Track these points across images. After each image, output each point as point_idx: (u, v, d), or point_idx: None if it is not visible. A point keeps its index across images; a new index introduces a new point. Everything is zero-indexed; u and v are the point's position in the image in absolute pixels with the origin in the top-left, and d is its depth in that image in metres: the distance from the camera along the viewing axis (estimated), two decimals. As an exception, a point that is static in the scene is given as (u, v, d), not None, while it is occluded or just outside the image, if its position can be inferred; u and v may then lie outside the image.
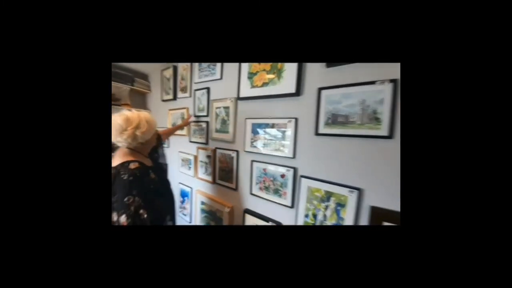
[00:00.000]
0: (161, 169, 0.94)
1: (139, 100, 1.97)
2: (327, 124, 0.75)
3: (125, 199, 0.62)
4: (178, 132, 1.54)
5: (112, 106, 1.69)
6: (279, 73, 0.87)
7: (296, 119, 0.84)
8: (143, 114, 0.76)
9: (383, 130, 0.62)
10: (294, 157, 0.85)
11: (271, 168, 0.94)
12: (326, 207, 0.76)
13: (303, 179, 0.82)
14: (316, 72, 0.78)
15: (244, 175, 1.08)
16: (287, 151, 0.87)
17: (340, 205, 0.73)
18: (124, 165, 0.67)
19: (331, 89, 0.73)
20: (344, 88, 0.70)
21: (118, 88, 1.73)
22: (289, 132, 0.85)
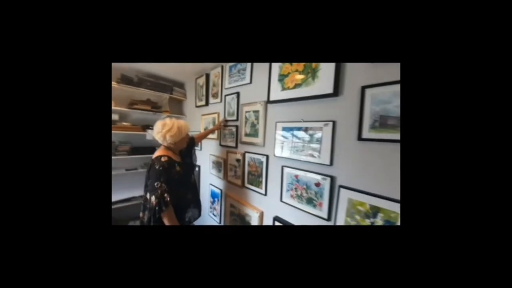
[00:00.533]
0: (188, 166, 1.11)
1: (177, 107, 2.17)
2: (373, 127, 0.65)
3: (155, 183, 0.84)
4: (210, 136, 1.62)
5: (155, 113, 1.92)
6: (313, 72, 0.81)
7: (334, 122, 0.76)
8: (178, 121, 0.98)
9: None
10: (331, 164, 0.77)
11: (303, 175, 0.88)
12: (372, 224, 0.65)
13: (342, 189, 0.73)
14: (358, 69, 0.69)
15: (274, 180, 1.04)
16: (323, 158, 0.79)
17: (390, 223, 0.61)
18: (158, 158, 0.90)
19: (378, 87, 0.63)
20: (394, 86, 0.60)
21: (160, 96, 1.95)
22: (326, 136, 0.78)
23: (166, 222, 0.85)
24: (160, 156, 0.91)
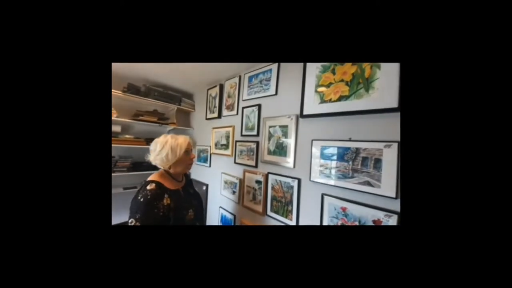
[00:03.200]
0: (187, 198, 0.83)
1: (184, 119, 2.03)
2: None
3: (130, 220, 0.66)
4: (222, 151, 1.45)
5: (161, 125, 1.76)
6: (366, 83, 0.68)
7: (399, 143, 0.60)
8: (173, 138, 0.77)
9: None
10: (396, 197, 0.60)
11: (355, 209, 0.69)
12: None
13: (421, 234, 0.55)
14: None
15: (309, 211, 0.85)
16: (385, 187, 0.62)
17: None
18: (145, 184, 0.71)
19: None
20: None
21: (167, 107, 1.82)
22: (387, 160, 0.62)
23: None
24: (148, 183, 0.71)
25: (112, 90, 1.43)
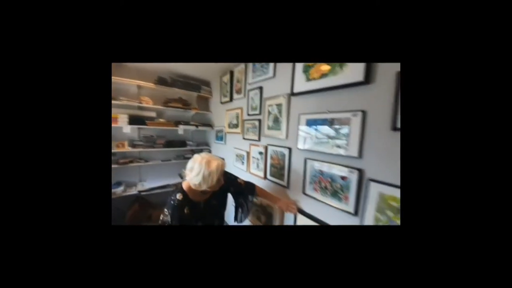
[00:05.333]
0: (207, 209, 0.91)
1: (204, 104, 2.33)
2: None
3: (165, 210, 0.82)
4: (233, 130, 1.69)
5: (185, 110, 2.09)
6: (341, 60, 0.77)
7: (364, 112, 0.71)
8: (209, 163, 0.78)
9: None
10: (360, 157, 0.73)
11: (328, 168, 0.85)
12: (407, 222, 0.60)
13: (372, 183, 0.69)
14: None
15: (297, 173, 1.04)
16: (351, 150, 0.75)
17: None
18: (176, 190, 0.85)
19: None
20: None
21: (190, 95, 2.13)
22: (354, 127, 0.74)
23: None
24: (179, 191, 0.83)
25: (146, 83, 1.80)
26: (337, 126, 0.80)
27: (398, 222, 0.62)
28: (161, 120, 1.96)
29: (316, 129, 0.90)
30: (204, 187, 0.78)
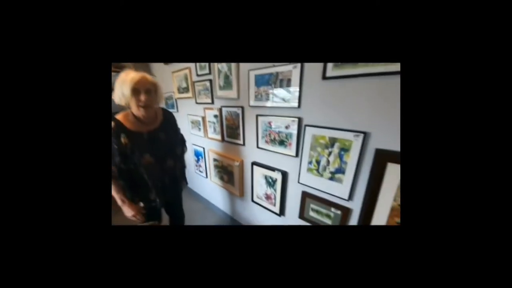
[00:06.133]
0: (144, 139, 0.81)
1: (143, 67, 1.92)
2: (336, 66, 0.68)
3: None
4: (184, 95, 1.54)
5: (117, 73, 1.69)
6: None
7: (302, 64, 0.77)
8: (123, 76, 0.74)
9: (398, 65, 0.55)
10: (299, 107, 0.83)
11: (276, 121, 0.94)
12: (330, 153, 0.78)
13: (307, 128, 0.82)
14: None
15: (250, 130, 1.10)
16: (293, 101, 0.84)
17: (344, 150, 0.73)
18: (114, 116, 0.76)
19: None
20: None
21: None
22: (294, 79, 0.80)
23: (113, 192, 0.79)
24: (115, 117, 0.76)
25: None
26: (281, 77, 0.85)
27: (325, 155, 0.79)
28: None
29: (264, 85, 0.93)
30: (122, 98, 0.73)
